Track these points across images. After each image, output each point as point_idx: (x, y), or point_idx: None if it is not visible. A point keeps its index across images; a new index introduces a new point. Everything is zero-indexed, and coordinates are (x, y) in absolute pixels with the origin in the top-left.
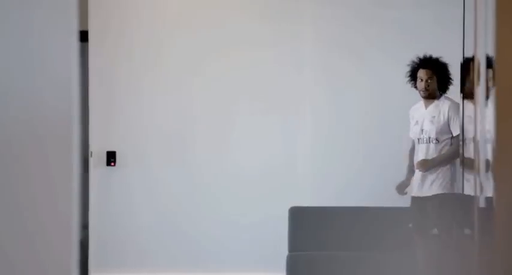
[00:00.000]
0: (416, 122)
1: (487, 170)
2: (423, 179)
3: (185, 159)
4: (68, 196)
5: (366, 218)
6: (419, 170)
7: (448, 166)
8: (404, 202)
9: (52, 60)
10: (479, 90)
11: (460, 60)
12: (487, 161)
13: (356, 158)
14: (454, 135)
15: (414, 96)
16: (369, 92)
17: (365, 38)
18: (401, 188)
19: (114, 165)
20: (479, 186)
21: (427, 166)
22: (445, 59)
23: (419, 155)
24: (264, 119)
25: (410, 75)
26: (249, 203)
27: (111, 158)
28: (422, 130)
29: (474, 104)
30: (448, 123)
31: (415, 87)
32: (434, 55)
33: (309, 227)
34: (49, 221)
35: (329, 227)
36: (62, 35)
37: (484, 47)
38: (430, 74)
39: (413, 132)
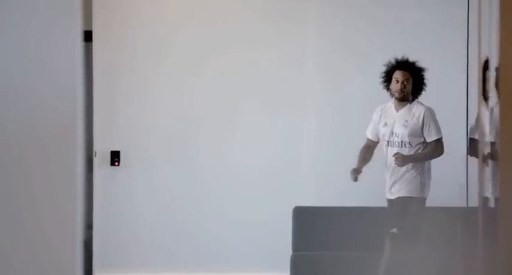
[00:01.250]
0: (385, 123)
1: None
2: (393, 182)
3: (188, 159)
4: (72, 196)
5: (369, 218)
6: (396, 164)
7: (419, 170)
8: None
9: (56, 60)
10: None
11: (461, 60)
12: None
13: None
14: (428, 141)
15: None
16: (371, 92)
17: (367, 38)
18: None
19: (118, 165)
20: (483, 186)
21: (405, 160)
22: (447, 59)
23: (389, 158)
24: (266, 119)
25: (385, 76)
26: (252, 202)
27: (115, 157)
28: (393, 133)
29: (484, 105)
30: (421, 128)
31: (388, 88)
32: (437, 55)
33: (313, 227)
34: (53, 220)
35: (333, 227)
36: (66, 35)
37: (487, 48)
38: (407, 77)
39: (383, 134)
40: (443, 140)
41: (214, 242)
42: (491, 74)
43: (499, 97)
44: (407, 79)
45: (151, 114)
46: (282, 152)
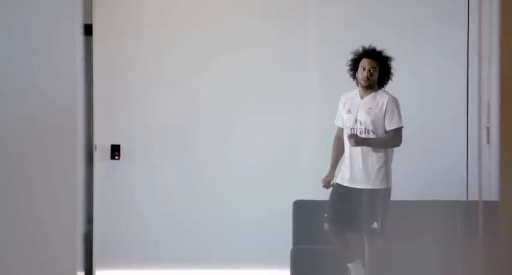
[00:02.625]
0: (349, 110)
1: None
2: (355, 171)
3: (189, 154)
4: (72, 189)
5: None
6: (350, 144)
7: (383, 160)
8: (406, 194)
9: (57, 54)
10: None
11: (461, 55)
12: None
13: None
14: (387, 129)
15: (416, 92)
16: None
17: (369, 36)
18: (327, 181)
19: (119, 158)
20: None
21: (359, 140)
22: (448, 55)
23: (350, 146)
24: (266, 116)
25: (352, 64)
26: (253, 198)
27: (115, 151)
28: (356, 120)
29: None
30: (383, 116)
31: (354, 77)
32: (438, 51)
33: (313, 220)
34: (53, 214)
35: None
36: (67, 29)
37: (488, 45)
38: (374, 65)
39: (345, 121)
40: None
41: (214, 237)
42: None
43: (500, 90)
44: (374, 67)
45: (152, 109)
46: (282, 149)
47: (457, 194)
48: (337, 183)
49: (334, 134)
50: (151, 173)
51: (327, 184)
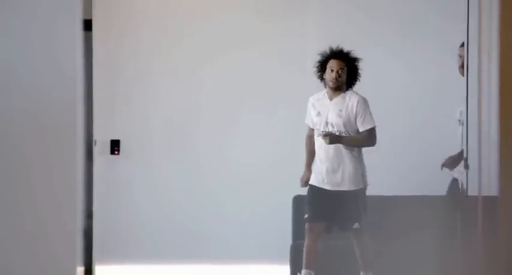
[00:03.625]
0: (319, 113)
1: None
2: (329, 173)
3: (188, 150)
4: (72, 184)
5: (369, 207)
6: (325, 142)
7: (357, 161)
8: (403, 190)
9: (56, 49)
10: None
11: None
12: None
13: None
14: (360, 130)
15: (415, 88)
16: (371, 88)
17: (368, 33)
18: (304, 181)
19: (118, 154)
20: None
21: (334, 138)
22: (448, 52)
23: (327, 148)
24: (268, 114)
25: (320, 66)
26: (252, 195)
27: (115, 146)
28: (327, 123)
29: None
30: (355, 117)
31: (321, 78)
32: (437, 48)
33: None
34: (53, 209)
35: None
36: (66, 25)
37: (487, 39)
38: (342, 66)
39: (316, 123)
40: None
41: (214, 232)
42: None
43: (500, 83)
44: (342, 68)
45: (152, 105)
46: (282, 147)
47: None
48: (311, 184)
49: None
50: (150, 169)
51: (305, 184)
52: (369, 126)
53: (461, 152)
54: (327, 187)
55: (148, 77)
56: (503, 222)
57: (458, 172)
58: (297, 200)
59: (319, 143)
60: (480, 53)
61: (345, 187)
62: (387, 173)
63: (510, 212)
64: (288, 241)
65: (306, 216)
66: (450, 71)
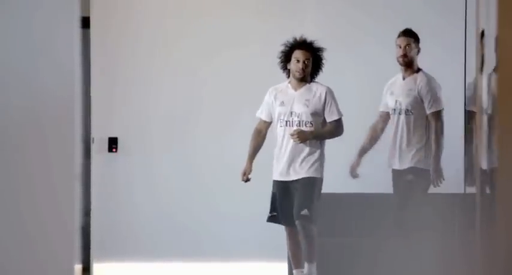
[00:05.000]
0: (282, 102)
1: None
2: (291, 163)
3: (187, 148)
4: (69, 182)
5: (366, 205)
6: (296, 142)
7: (319, 152)
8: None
9: (53, 47)
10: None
11: (457, 47)
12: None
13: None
14: (328, 120)
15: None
16: (369, 85)
17: (366, 33)
18: (246, 175)
19: (116, 151)
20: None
21: (305, 135)
22: (447, 48)
23: (286, 138)
24: None
25: (284, 56)
26: (250, 192)
27: (113, 144)
28: (292, 112)
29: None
30: (323, 107)
31: (285, 68)
32: (436, 44)
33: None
34: (51, 207)
35: (332, 213)
36: (64, 22)
37: (486, 34)
38: (308, 56)
39: (279, 114)
40: None
41: (212, 230)
42: (487, 41)
43: (499, 75)
44: (308, 58)
45: (150, 102)
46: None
47: (453, 187)
48: (274, 180)
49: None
50: (148, 166)
51: (246, 178)
52: (336, 117)
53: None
54: (289, 178)
55: (146, 75)
56: (501, 219)
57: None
58: None
59: (281, 133)
60: (478, 52)
61: (303, 174)
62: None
63: (508, 211)
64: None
65: (269, 215)
66: (448, 67)
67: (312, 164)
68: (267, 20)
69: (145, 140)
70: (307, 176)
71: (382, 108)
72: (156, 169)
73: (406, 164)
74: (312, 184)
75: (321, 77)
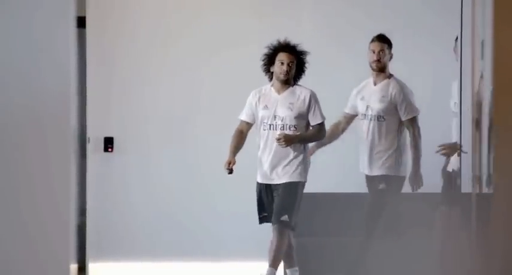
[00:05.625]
0: (266, 106)
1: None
2: (275, 167)
3: (183, 147)
4: (65, 182)
5: (361, 204)
6: (281, 145)
7: (302, 156)
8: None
9: (49, 46)
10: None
11: (453, 44)
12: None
13: (355, 147)
14: (312, 124)
15: (410, 83)
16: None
17: (363, 31)
18: (230, 167)
19: (112, 151)
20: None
21: (290, 140)
22: (443, 47)
23: (269, 141)
24: None
25: (268, 59)
26: (247, 192)
27: (108, 144)
28: (275, 116)
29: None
30: (307, 111)
31: (268, 71)
32: (430, 42)
33: (308, 213)
34: (47, 206)
35: (329, 213)
36: (60, 21)
37: (482, 31)
38: (292, 59)
39: (262, 117)
40: None
41: (208, 230)
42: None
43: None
44: (292, 61)
45: (145, 102)
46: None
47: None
48: (257, 182)
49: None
50: (144, 166)
51: (230, 169)
52: (320, 121)
53: (455, 143)
54: (272, 182)
55: (142, 75)
56: (497, 218)
57: (452, 164)
58: None
59: (264, 137)
60: (474, 50)
61: (286, 178)
62: None
63: (504, 209)
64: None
65: (265, 215)
66: (445, 65)
67: (296, 168)
68: (264, 19)
69: (141, 139)
70: (290, 180)
71: (348, 111)
72: (151, 168)
73: (377, 171)
74: (294, 189)
75: (319, 77)
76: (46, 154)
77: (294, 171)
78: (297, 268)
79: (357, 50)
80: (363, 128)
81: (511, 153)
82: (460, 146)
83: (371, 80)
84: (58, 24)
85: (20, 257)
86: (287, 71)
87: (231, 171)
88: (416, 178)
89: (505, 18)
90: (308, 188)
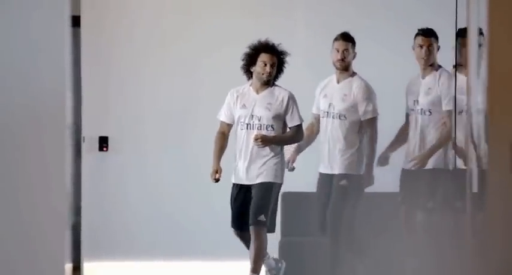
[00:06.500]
0: (244, 105)
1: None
2: (249, 166)
3: (178, 146)
4: (60, 181)
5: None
6: (258, 146)
7: (279, 155)
8: (394, 187)
9: (44, 45)
10: (472, 62)
11: (450, 42)
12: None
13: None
14: (289, 126)
15: (405, 80)
16: (370, 81)
17: (360, 28)
18: (216, 176)
19: (107, 150)
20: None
21: (267, 140)
22: (440, 45)
23: (246, 141)
24: None
25: (249, 58)
26: None
27: (103, 143)
28: (253, 116)
29: (466, 75)
30: (285, 112)
31: (247, 70)
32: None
33: (301, 212)
34: (41, 206)
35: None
36: (54, 21)
37: (476, 21)
38: (274, 60)
39: (240, 117)
40: None
41: (203, 229)
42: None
43: (488, 68)
44: (274, 62)
45: (140, 101)
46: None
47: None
48: (233, 183)
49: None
50: (139, 166)
51: (217, 179)
52: (298, 122)
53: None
54: (248, 183)
55: (137, 74)
56: (492, 218)
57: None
58: (286, 197)
59: (241, 136)
60: (469, 45)
61: (262, 178)
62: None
63: (500, 208)
64: (277, 237)
65: (231, 218)
66: (442, 63)
67: (271, 169)
68: (261, 19)
69: (136, 139)
70: (266, 181)
71: (315, 111)
72: (146, 167)
73: (338, 170)
74: (269, 189)
75: (311, 74)
76: (41, 153)
77: (269, 172)
78: (268, 255)
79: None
80: (324, 126)
81: (505, 149)
82: (454, 143)
83: (333, 77)
84: (52, 23)
85: (14, 257)
86: (270, 72)
87: (217, 180)
88: (369, 177)
89: (501, 17)
90: (292, 188)
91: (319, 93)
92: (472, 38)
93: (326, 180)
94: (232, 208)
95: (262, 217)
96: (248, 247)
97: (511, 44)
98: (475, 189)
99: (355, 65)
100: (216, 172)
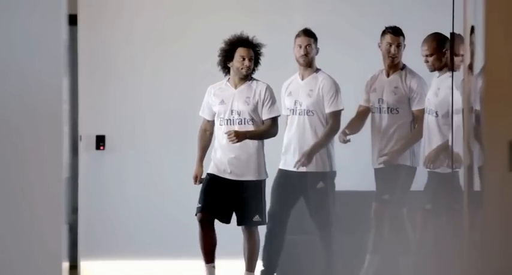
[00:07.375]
0: (222, 101)
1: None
2: (238, 162)
3: (175, 144)
4: (57, 180)
5: (353, 202)
6: (232, 141)
7: (260, 152)
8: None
9: (40, 44)
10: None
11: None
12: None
13: (350, 146)
14: (264, 118)
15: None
16: (358, 79)
17: (356, 28)
18: (198, 178)
19: (104, 149)
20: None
21: (241, 136)
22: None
23: (226, 138)
24: None
25: (226, 53)
26: None
27: (100, 141)
28: (232, 111)
29: (464, 75)
30: (262, 105)
31: (224, 66)
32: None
33: (296, 212)
34: (38, 204)
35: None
36: (51, 19)
37: (473, 21)
38: (252, 54)
39: (219, 112)
40: None
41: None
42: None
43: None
44: (252, 56)
45: (137, 100)
46: (272, 141)
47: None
48: (209, 173)
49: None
50: (135, 164)
51: (199, 181)
52: (274, 115)
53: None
54: (229, 177)
55: (133, 73)
56: (488, 217)
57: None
58: None
59: (221, 132)
60: (465, 45)
61: (249, 176)
62: None
63: (495, 208)
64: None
65: (198, 206)
66: None
67: (257, 165)
68: (258, 17)
69: (133, 137)
70: (254, 179)
71: (284, 112)
72: (143, 166)
73: (309, 167)
74: (259, 187)
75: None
76: (38, 152)
77: (255, 168)
78: (214, 265)
79: (350, 46)
80: (292, 123)
81: (502, 147)
82: (452, 143)
83: (297, 75)
84: (49, 21)
85: (11, 255)
86: (248, 66)
87: (200, 182)
88: (308, 156)
89: (497, 13)
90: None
91: (284, 93)
92: (467, 38)
93: (289, 177)
94: (204, 196)
95: (257, 217)
96: (206, 234)
97: (507, 44)
98: (476, 188)
99: (358, 63)
100: (196, 178)
